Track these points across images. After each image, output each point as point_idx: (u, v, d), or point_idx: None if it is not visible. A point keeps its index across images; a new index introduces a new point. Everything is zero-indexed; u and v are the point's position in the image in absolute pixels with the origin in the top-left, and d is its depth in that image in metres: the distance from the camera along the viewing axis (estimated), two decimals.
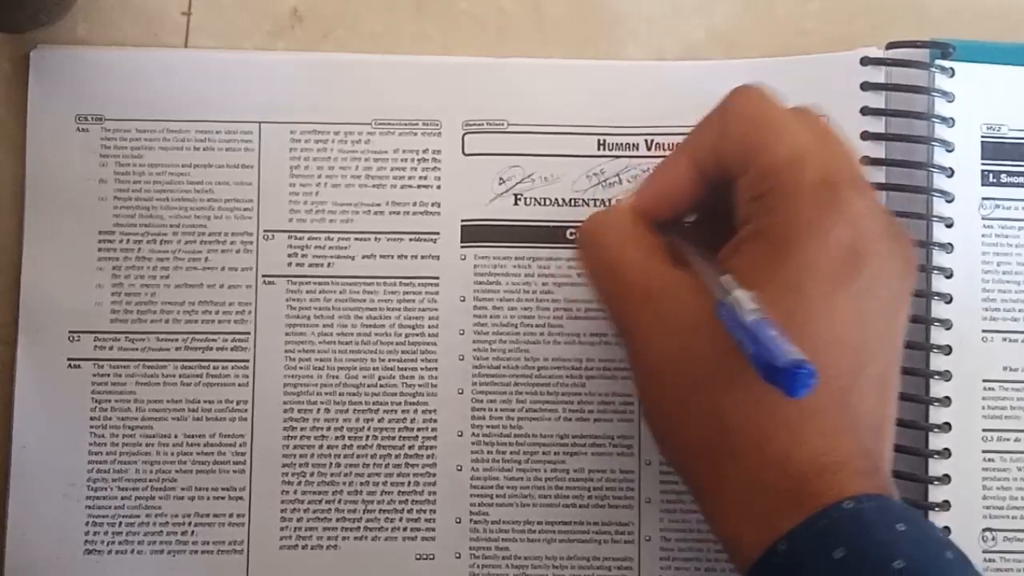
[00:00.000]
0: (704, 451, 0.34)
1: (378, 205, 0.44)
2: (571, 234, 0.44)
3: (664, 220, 0.38)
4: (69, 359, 0.43)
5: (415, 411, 0.44)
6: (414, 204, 0.44)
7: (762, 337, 0.30)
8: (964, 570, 0.31)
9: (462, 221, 0.44)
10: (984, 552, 0.43)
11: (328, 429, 0.44)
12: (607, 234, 0.38)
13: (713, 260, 0.36)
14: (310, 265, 0.44)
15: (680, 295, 0.35)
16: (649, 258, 0.37)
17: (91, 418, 0.43)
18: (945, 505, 0.42)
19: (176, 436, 0.43)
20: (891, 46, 0.44)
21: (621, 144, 0.44)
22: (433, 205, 0.44)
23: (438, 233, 0.44)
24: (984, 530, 0.43)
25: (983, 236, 0.43)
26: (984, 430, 0.43)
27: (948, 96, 0.43)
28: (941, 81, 0.43)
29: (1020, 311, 0.44)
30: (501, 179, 0.44)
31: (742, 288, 0.32)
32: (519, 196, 0.44)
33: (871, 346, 0.34)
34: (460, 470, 0.44)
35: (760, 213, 0.35)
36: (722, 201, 0.37)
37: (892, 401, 0.35)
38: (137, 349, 0.44)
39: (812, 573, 0.31)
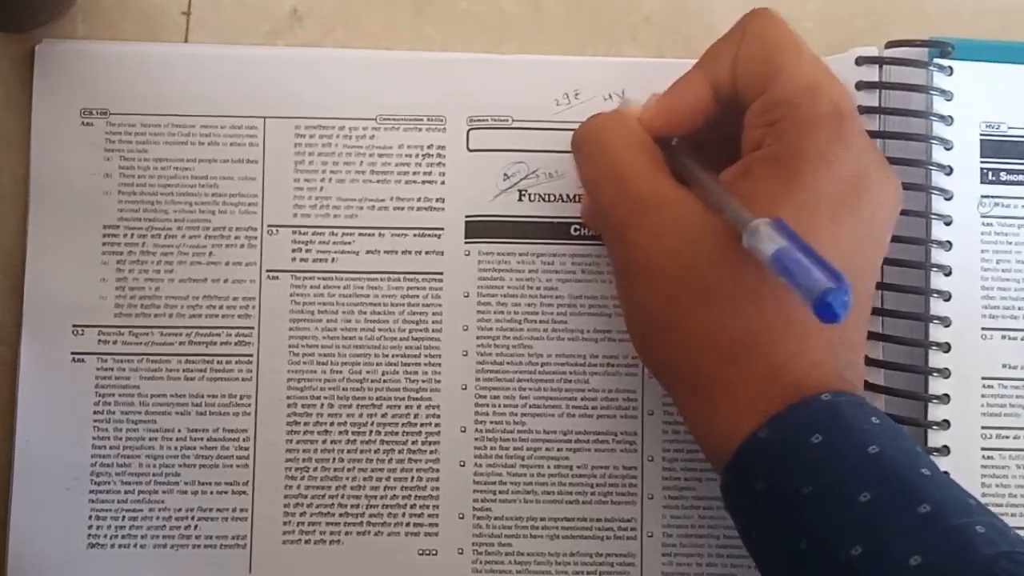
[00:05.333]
0: (704, 354, 0.36)
1: (382, 200, 0.44)
2: (575, 230, 0.44)
3: (663, 138, 0.39)
4: (73, 353, 0.43)
5: (418, 406, 0.44)
6: (418, 200, 0.44)
7: (810, 266, 0.31)
8: (931, 461, 0.34)
9: (466, 217, 0.44)
10: None
11: (331, 424, 0.44)
12: (614, 137, 0.39)
13: (718, 180, 0.37)
14: (314, 260, 0.44)
15: (684, 208, 0.36)
16: (654, 167, 0.38)
17: (94, 412, 0.43)
18: None
19: (179, 431, 0.43)
20: (890, 45, 0.44)
21: None
22: (437, 201, 0.44)
23: (442, 229, 0.44)
24: None
25: (982, 234, 0.44)
26: (983, 427, 0.43)
27: (947, 95, 0.43)
28: (940, 79, 0.43)
29: (1019, 309, 0.44)
30: (505, 175, 0.45)
31: (756, 214, 0.33)
32: (523, 192, 0.44)
33: (863, 269, 0.37)
34: (463, 466, 0.44)
35: (772, 139, 0.36)
36: (724, 124, 0.39)
37: (868, 321, 0.39)
38: (141, 343, 0.43)
39: (791, 456, 0.33)
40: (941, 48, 0.43)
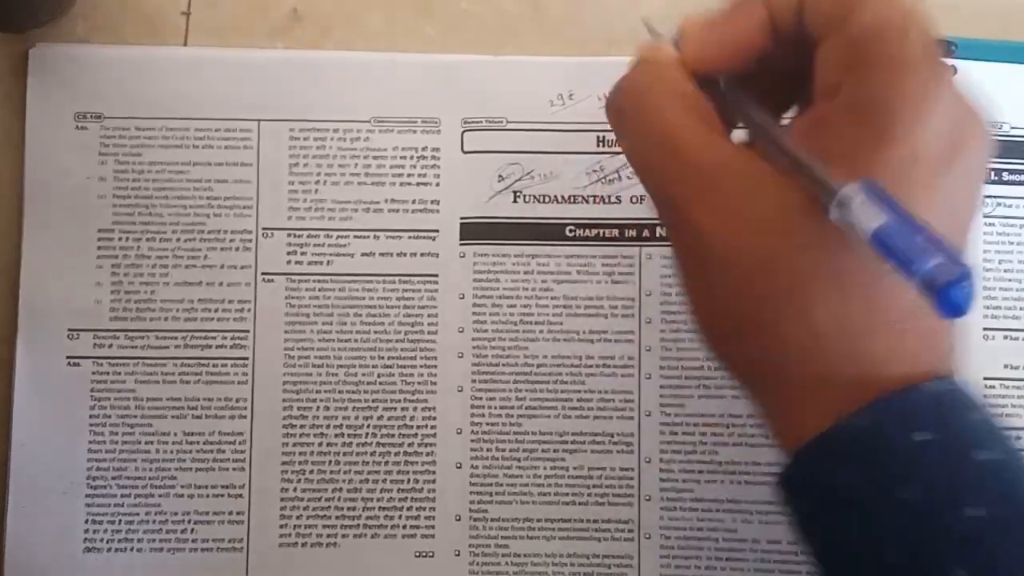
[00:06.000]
0: (793, 351, 0.30)
1: (377, 203, 0.44)
2: (570, 231, 0.44)
3: (706, 78, 0.33)
4: (68, 357, 0.43)
5: (414, 408, 0.44)
6: (413, 202, 0.44)
7: (924, 249, 0.26)
8: None
9: (461, 219, 0.44)
10: None
11: (327, 427, 0.44)
12: (656, 99, 0.32)
13: (788, 134, 0.31)
14: (309, 263, 0.44)
15: (755, 178, 0.30)
16: (709, 130, 0.32)
17: (90, 416, 0.43)
18: None
19: (175, 434, 0.43)
20: None
21: None
22: (432, 203, 0.44)
23: (437, 231, 0.44)
24: None
25: (984, 234, 0.44)
26: None
27: None
28: None
29: (1021, 309, 0.44)
30: (500, 176, 0.44)
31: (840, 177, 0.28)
32: (518, 193, 0.44)
33: (958, 238, 0.31)
34: (459, 467, 0.44)
35: (854, 84, 0.30)
36: (777, 59, 0.32)
37: None
38: (136, 347, 0.44)
39: (889, 452, 0.29)
40: (943, 47, 0.43)
